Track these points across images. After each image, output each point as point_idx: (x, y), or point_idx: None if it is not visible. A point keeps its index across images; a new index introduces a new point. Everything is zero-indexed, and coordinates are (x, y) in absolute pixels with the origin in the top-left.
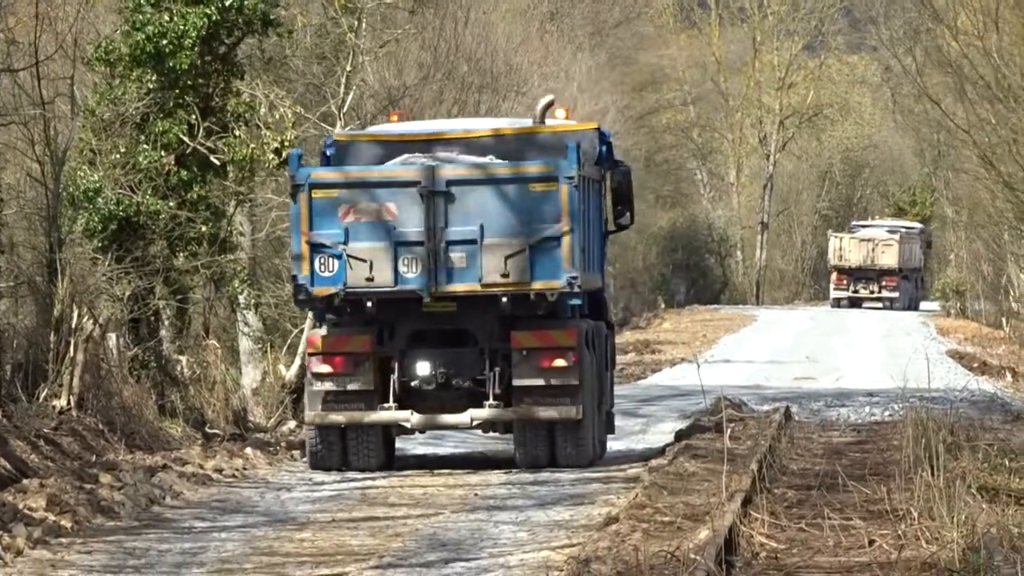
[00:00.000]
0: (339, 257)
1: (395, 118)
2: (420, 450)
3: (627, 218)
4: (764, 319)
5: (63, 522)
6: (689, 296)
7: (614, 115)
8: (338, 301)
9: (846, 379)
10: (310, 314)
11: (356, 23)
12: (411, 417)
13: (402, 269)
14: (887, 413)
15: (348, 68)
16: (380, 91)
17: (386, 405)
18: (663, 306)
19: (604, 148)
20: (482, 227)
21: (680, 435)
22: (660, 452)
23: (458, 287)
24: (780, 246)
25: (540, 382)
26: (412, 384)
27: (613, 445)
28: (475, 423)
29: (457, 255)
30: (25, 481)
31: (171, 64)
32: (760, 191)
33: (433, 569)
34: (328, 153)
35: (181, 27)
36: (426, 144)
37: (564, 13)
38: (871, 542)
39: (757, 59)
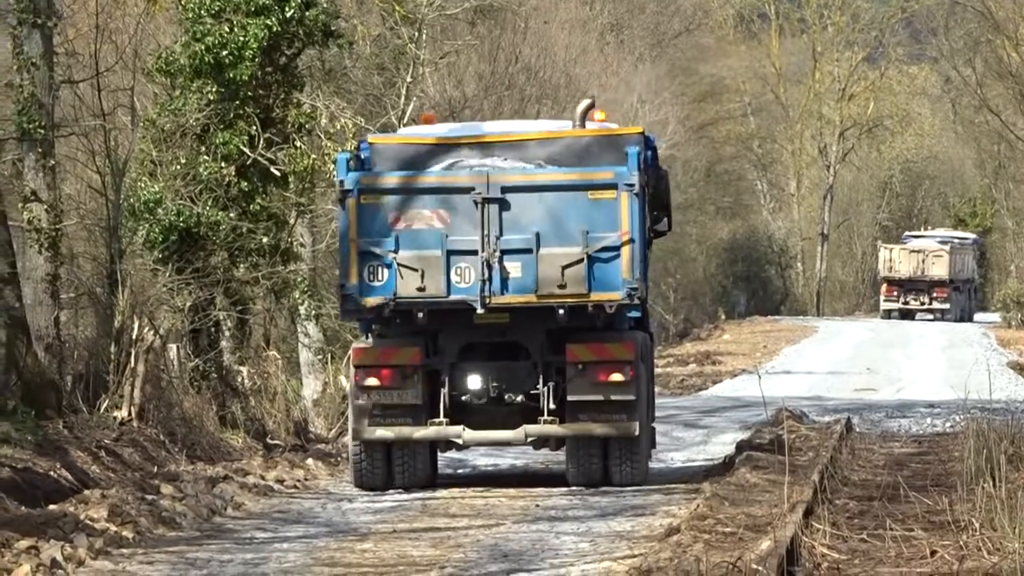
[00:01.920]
0: (389, 266)
1: (428, 119)
2: (481, 461)
3: (664, 224)
4: (824, 330)
5: (125, 532)
6: (749, 307)
7: (674, 126)
8: (387, 312)
9: (907, 390)
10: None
11: (416, 34)
12: (463, 433)
13: (455, 279)
14: (948, 424)
15: (408, 79)
16: (440, 102)
17: (436, 420)
18: (723, 317)
19: (649, 153)
20: (538, 236)
21: (741, 446)
22: (721, 463)
23: (513, 298)
24: (840, 257)
25: (597, 397)
26: (463, 398)
27: (675, 456)
28: (529, 439)
29: (512, 265)
30: (86, 492)
31: (231, 75)
32: (820, 202)
33: None
34: (363, 156)
35: (242, 38)
36: (465, 147)
37: (624, 24)
38: (933, 553)
39: (817, 70)
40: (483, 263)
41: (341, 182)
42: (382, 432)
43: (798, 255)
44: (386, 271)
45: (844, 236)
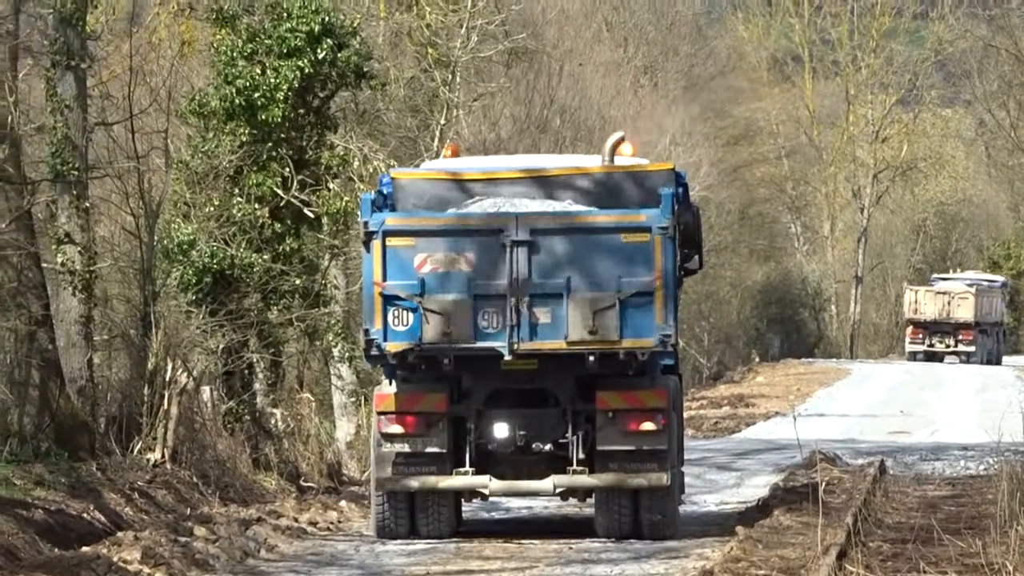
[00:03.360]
0: (415, 310)
1: (450, 152)
2: (514, 503)
3: (695, 262)
4: (858, 373)
5: (158, 575)
6: (783, 350)
7: (707, 168)
8: (412, 358)
9: (941, 433)
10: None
11: (450, 77)
12: (489, 483)
13: (482, 324)
14: (982, 467)
15: (442, 121)
16: (474, 144)
17: (461, 470)
18: (757, 360)
19: (680, 190)
20: (569, 280)
21: (774, 489)
22: (755, 505)
23: (542, 344)
24: (874, 300)
25: (628, 447)
26: (489, 447)
27: (708, 498)
28: (557, 490)
29: (541, 310)
30: (119, 534)
31: (264, 117)
32: (854, 245)
33: None
34: (384, 191)
35: (274, 80)
36: (491, 184)
37: (658, 67)
38: None
39: (851, 112)
40: (511, 308)
41: (365, 223)
42: (406, 482)
43: (832, 298)
44: (411, 315)
45: (878, 279)
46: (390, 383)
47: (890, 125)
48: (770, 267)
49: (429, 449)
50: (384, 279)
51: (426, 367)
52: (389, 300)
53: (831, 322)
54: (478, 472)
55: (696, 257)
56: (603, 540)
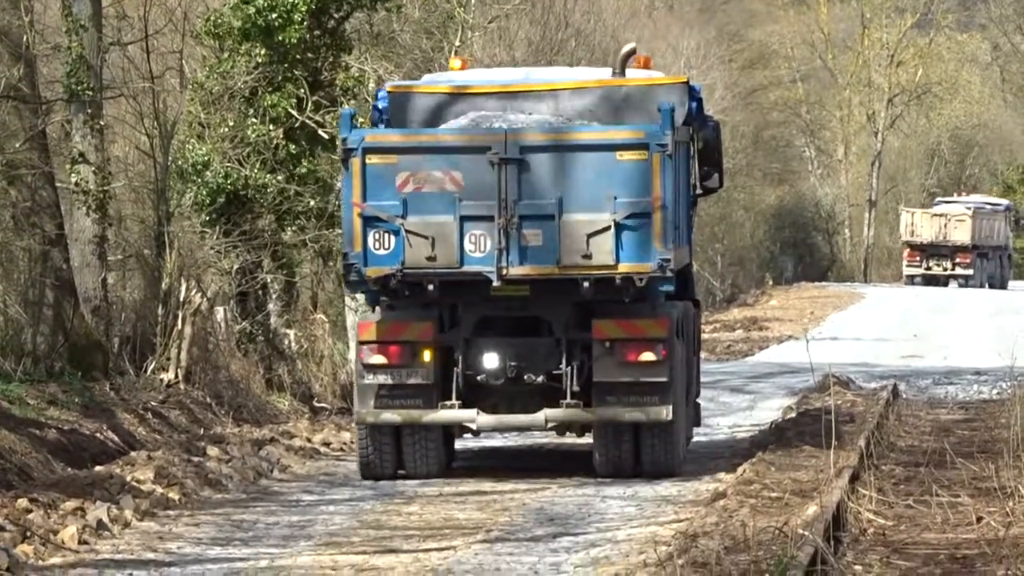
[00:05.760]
0: (396, 232)
1: (458, 64)
2: None
3: (715, 180)
4: (872, 297)
5: (171, 494)
6: (797, 273)
7: (722, 92)
8: (394, 283)
9: (954, 357)
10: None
11: None
12: (476, 417)
13: (468, 247)
14: (995, 391)
15: (456, 43)
16: (489, 66)
17: (448, 403)
18: (771, 283)
19: (694, 105)
20: (561, 200)
21: (788, 412)
22: (768, 428)
23: (532, 269)
24: (888, 224)
25: (625, 379)
26: (478, 379)
27: (721, 421)
28: (550, 424)
29: (531, 232)
30: (133, 453)
31: (280, 38)
32: (868, 168)
33: (541, 543)
34: (380, 106)
35: (290, 1)
36: (492, 97)
37: None
38: (979, 519)
39: (866, 36)
40: (500, 230)
41: (344, 140)
42: (388, 415)
43: (845, 221)
44: (393, 238)
45: (892, 203)
46: (373, 311)
47: (905, 49)
48: (784, 190)
49: (413, 381)
50: (364, 199)
51: (410, 293)
52: (369, 222)
53: (844, 246)
54: (466, 405)
55: (716, 175)
56: None
